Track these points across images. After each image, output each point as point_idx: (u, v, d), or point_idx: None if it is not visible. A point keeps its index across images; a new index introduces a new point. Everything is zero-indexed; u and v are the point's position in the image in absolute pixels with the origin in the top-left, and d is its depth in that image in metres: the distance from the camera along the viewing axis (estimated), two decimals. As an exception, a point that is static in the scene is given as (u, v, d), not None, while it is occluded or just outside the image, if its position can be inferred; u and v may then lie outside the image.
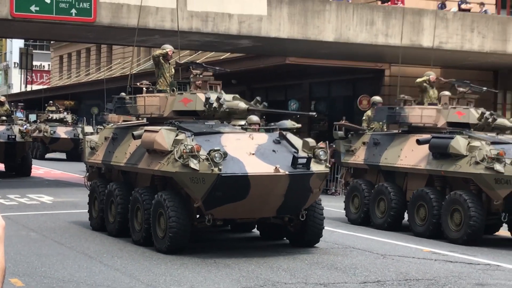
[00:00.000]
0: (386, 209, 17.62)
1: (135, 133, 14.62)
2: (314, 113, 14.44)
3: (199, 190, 13.14)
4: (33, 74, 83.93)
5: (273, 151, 13.62)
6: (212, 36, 28.35)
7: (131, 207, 14.76)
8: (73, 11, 25.18)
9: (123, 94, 17.88)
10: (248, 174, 13.06)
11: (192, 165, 13.08)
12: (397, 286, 11.33)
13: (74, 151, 41.98)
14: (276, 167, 13.20)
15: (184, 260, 12.96)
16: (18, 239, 14.67)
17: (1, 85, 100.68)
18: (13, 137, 30.39)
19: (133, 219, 14.70)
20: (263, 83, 41.72)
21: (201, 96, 14.62)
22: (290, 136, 14.06)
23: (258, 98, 15.37)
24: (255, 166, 13.21)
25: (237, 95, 15.14)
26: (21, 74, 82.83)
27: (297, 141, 14.00)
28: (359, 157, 18.62)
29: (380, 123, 19.51)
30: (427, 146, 16.48)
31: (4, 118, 31.72)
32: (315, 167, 13.63)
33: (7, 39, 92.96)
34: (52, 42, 74.70)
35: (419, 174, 17.10)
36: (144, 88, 15.78)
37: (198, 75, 15.15)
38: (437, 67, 33.84)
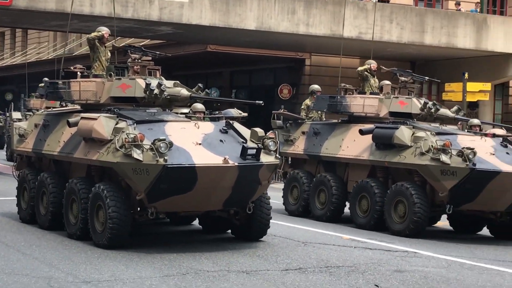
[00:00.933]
0: (327, 200, 17.21)
1: (71, 120, 13.73)
2: (261, 102, 13.83)
3: (142, 182, 12.39)
4: None
5: (221, 141, 12.97)
6: (132, 22, 27.80)
7: (66, 198, 13.83)
8: (-12, -7, 24.22)
9: (46, 79, 16.96)
10: (196, 165, 12.38)
11: (135, 156, 12.33)
12: (318, 273, 11.41)
13: None
14: (225, 158, 12.55)
15: (105, 249, 12.59)
16: None
17: None
18: None
19: (68, 211, 13.78)
20: (184, 70, 41.10)
21: (141, 82, 13.86)
22: (237, 125, 13.42)
23: (200, 85, 14.70)
24: (203, 157, 12.53)
25: (178, 82, 14.42)
26: None
27: (244, 131, 13.35)
28: (299, 147, 18.12)
29: (319, 112, 19.06)
30: (370, 136, 16.10)
31: None
32: (264, 158, 13.02)
33: None
34: (-36, 25, 72.42)
35: (361, 165, 16.71)
36: (78, 73, 14.88)
37: (136, 60, 14.38)
38: (356, 57, 33.85)
